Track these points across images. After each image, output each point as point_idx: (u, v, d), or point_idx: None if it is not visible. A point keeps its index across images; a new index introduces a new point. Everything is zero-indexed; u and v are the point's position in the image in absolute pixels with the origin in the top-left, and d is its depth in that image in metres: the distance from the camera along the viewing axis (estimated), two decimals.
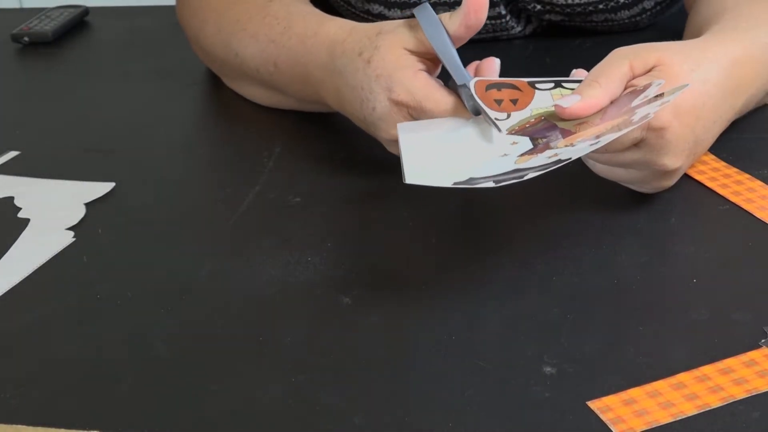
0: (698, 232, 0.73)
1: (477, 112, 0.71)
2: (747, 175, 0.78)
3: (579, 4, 1.00)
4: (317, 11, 0.89)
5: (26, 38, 1.15)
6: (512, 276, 0.68)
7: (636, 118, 0.65)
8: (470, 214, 0.76)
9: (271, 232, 0.76)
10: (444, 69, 0.74)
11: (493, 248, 0.71)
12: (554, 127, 0.69)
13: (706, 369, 0.59)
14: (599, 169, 0.74)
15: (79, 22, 1.22)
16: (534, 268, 0.69)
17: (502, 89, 0.71)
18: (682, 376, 0.58)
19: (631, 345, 0.61)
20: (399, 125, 0.72)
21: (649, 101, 0.67)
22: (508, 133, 0.69)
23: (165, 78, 1.05)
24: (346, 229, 0.75)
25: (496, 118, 0.70)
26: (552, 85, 0.73)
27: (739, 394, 0.57)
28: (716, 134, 0.76)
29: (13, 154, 0.89)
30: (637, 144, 0.69)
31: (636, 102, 0.68)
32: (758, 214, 0.73)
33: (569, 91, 0.72)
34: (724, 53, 0.75)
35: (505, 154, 0.67)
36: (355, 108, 0.77)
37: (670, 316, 0.64)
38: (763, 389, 0.57)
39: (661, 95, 0.67)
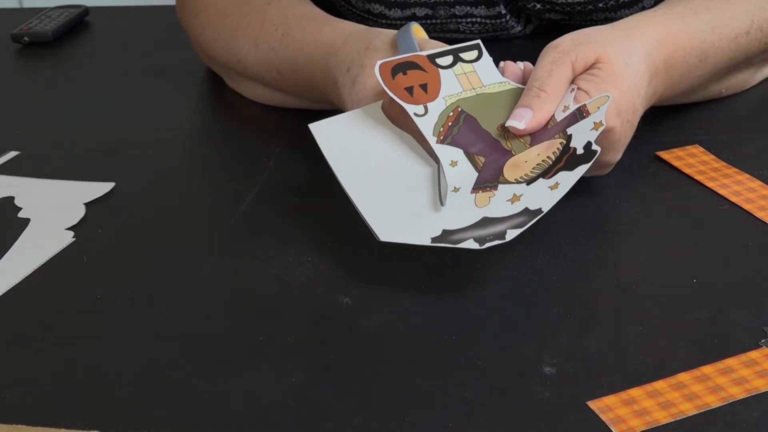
0: (698, 232, 0.73)
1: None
2: (747, 175, 0.78)
3: (579, 3, 1.00)
4: (314, 13, 0.88)
5: (26, 38, 1.15)
6: (512, 276, 0.68)
7: (579, 148, 0.68)
8: None
9: (271, 232, 0.76)
10: None
11: (493, 248, 0.71)
12: (477, 127, 0.71)
13: (706, 369, 0.59)
14: None
15: (79, 22, 1.22)
16: (534, 268, 0.69)
17: (408, 71, 0.72)
18: (682, 376, 0.58)
19: (631, 345, 0.61)
20: (317, 134, 0.73)
21: (574, 117, 0.69)
22: (437, 142, 0.70)
23: (165, 78, 1.05)
24: (346, 229, 0.75)
25: (414, 113, 0.71)
26: (451, 59, 0.74)
27: (739, 394, 0.57)
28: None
29: (13, 154, 0.89)
30: None
31: (560, 115, 0.70)
32: (758, 214, 0.73)
33: (470, 66, 0.74)
34: (646, 36, 0.76)
35: (456, 188, 0.69)
36: None
37: (670, 316, 0.64)
38: (763, 389, 0.57)
39: (584, 108, 0.69)
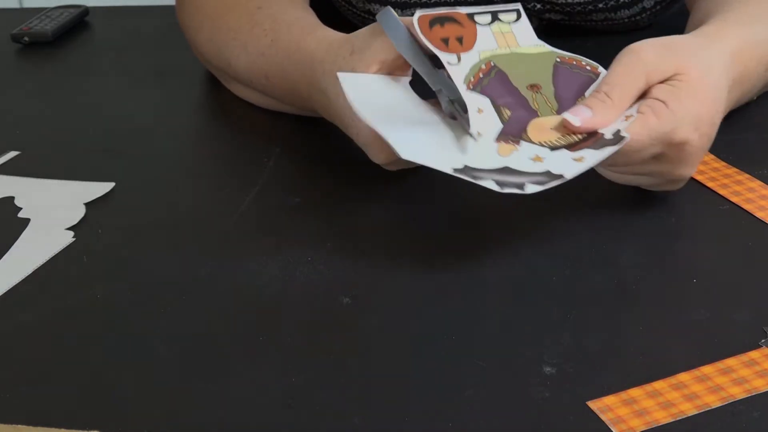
0: (698, 232, 0.73)
1: (454, 117, 0.71)
2: (747, 175, 0.78)
3: (579, 3, 1.00)
4: (303, 19, 0.87)
5: (26, 38, 1.15)
6: (512, 276, 0.68)
7: (607, 134, 0.67)
8: (470, 214, 0.76)
9: (271, 232, 0.76)
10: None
11: (492, 248, 0.71)
12: (506, 82, 0.71)
13: (706, 369, 0.59)
14: (608, 174, 0.74)
15: (79, 22, 1.22)
16: (534, 268, 0.69)
17: (445, 24, 0.72)
18: (682, 376, 0.58)
19: (631, 345, 0.61)
20: (344, 82, 0.72)
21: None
22: (466, 89, 0.70)
23: (165, 78, 1.05)
24: (346, 229, 0.75)
25: (448, 62, 0.71)
26: (489, 18, 0.74)
27: (739, 394, 0.57)
28: None
29: (13, 154, 0.89)
30: (656, 157, 0.69)
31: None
32: (758, 214, 0.73)
33: (507, 26, 0.74)
34: (724, 48, 0.74)
35: (479, 134, 0.69)
36: (343, 128, 0.77)
37: (670, 316, 0.64)
38: (763, 389, 0.57)
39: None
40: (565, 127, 0.68)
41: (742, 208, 0.74)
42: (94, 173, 0.84)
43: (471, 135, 0.69)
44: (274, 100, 0.91)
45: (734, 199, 0.75)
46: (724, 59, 0.73)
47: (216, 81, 1.01)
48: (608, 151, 0.66)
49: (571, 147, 0.67)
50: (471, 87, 0.71)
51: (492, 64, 0.72)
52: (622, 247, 0.71)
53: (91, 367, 0.62)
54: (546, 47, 0.74)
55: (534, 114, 0.70)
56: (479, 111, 0.70)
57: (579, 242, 0.72)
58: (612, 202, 0.76)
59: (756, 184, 0.77)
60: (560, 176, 0.65)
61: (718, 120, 0.72)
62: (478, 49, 0.73)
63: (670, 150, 0.69)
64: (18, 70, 1.12)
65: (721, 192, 0.76)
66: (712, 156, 0.81)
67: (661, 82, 0.69)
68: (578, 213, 0.75)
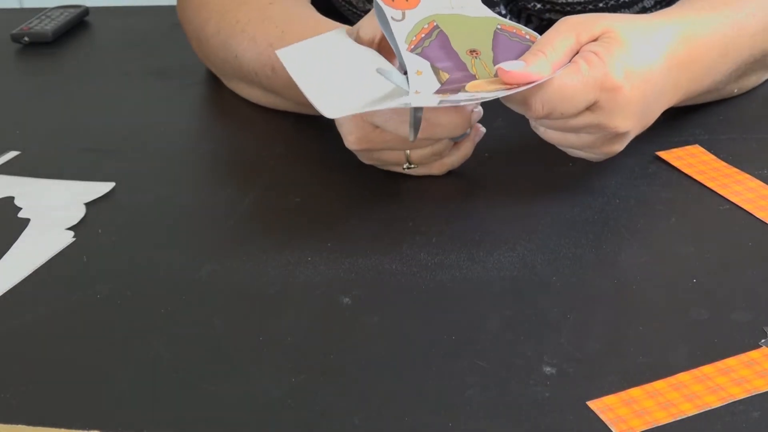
0: (698, 232, 0.73)
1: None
2: (747, 175, 0.78)
3: (579, 3, 1.00)
4: (315, 15, 0.89)
5: (26, 38, 1.15)
6: (512, 276, 0.68)
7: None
8: (470, 214, 0.76)
9: (271, 232, 0.76)
10: None
11: (493, 248, 0.71)
12: (447, 45, 0.73)
13: (706, 369, 0.59)
14: (550, 135, 0.75)
15: (79, 22, 1.21)
16: (534, 268, 0.69)
17: None
18: (682, 376, 0.58)
19: (631, 345, 0.61)
20: (286, 63, 0.74)
21: None
22: (407, 50, 0.72)
23: (165, 78, 1.05)
24: (346, 229, 0.75)
25: (392, 17, 0.73)
26: None
27: (739, 394, 0.57)
28: (664, 106, 0.77)
29: (13, 154, 0.89)
30: (590, 107, 0.71)
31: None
32: (758, 214, 0.73)
33: None
34: (672, 29, 0.76)
35: (418, 91, 0.71)
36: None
37: (670, 316, 0.64)
38: (763, 389, 0.57)
39: None
40: (502, 83, 0.70)
41: (742, 208, 0.74)
42: (94, 173, 0.84)
43: (408, 92, 0.71)
44: (275, 96, 0.91)
45: (734, 199, 0.75)
46: (668, 39, 0.75)
47: (216, 81, 1.01)
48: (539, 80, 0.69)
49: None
50: (411, 48, 0.72)
51: (435, 24, 0.74)
52: (622, 247, 0.72)
53: (91, 367, 0.62)
54: (490, 15, 0.76)
55: (472, 78, 0.72)
56: (418, 73, 0.72)
57: (579, 242, 0.72)
58: (612, 202, 0.76)
59: (756, 184, 0.77)
60: (493, 97, 0.69)
61: (652, 79, 0.73)
62: (423, 5, 0.74)
63: (602, 96, 0.71)
64: (18, 70, 1.12)
65: (721, 192, 0.76)
66: (713, 156, 0.81)
67: (592, 41, 0.73)
68: (578, 213, 0.75)
